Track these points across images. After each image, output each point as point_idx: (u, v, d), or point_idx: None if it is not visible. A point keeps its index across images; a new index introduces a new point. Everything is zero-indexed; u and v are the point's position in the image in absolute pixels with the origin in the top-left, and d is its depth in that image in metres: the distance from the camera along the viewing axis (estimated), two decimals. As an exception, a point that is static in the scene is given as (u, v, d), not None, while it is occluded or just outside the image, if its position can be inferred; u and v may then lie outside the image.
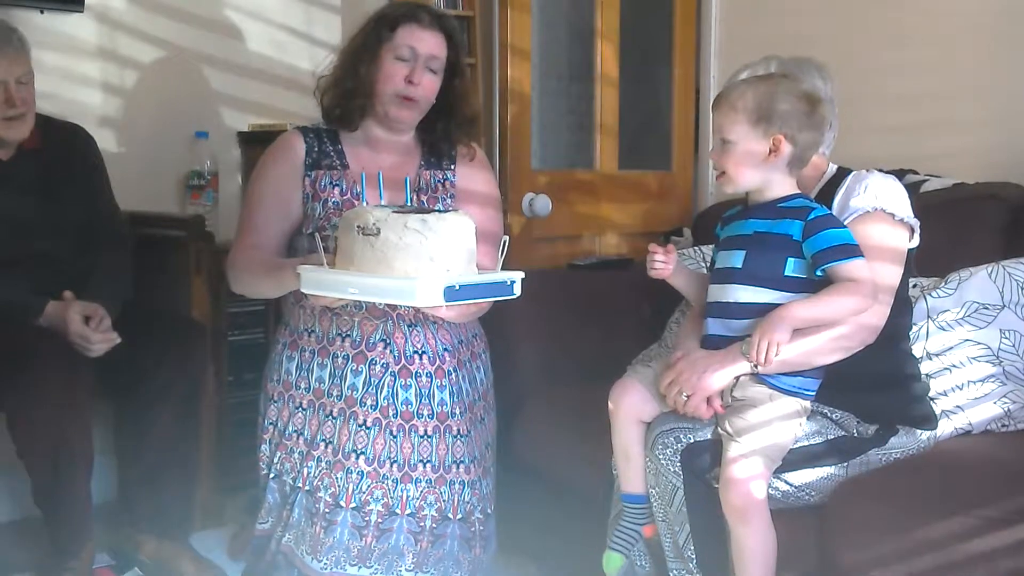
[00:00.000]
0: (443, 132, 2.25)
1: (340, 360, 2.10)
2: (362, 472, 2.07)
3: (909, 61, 2.96)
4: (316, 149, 2.20)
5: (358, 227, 1.75)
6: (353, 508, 2.07)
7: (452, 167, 2.27)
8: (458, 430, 2.13)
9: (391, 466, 2.08)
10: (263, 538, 2.16)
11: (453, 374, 2.14)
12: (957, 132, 2.88)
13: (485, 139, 3.29)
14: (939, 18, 2.90)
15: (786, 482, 1.90)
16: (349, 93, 2.17)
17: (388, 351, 2.09)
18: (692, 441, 1.87)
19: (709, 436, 1.88)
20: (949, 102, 2.89)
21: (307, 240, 2.12)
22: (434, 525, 2.10)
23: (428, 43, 2.15)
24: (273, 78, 3.35)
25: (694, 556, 1.88)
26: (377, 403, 2.08)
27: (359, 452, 2.07)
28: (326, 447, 2.09)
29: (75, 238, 2.54)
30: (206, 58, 3.23)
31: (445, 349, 2.14)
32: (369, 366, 2.09)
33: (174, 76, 3.19)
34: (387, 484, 2.08)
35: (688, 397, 1.87)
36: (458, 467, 2.13)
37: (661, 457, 1.88)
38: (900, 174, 2.62)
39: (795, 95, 1.88)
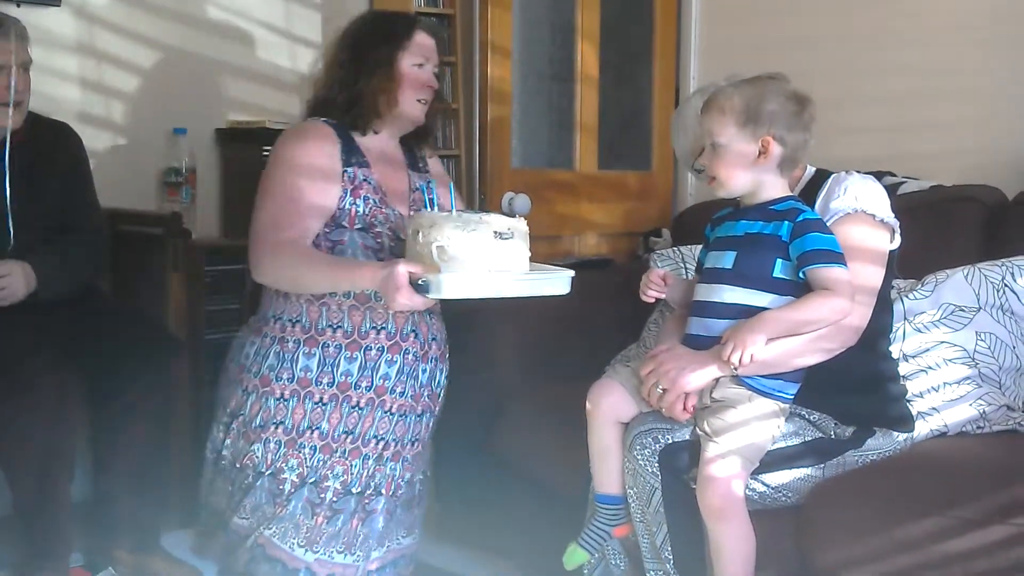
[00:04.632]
0: (422, 132, 2.34)
1: (374, 352, 2.14)
2: (349, 451, 2.14)
3: (888, 64, 2.98)
4: (345, 145, 2.20)
5: (496, 232, 1.93)
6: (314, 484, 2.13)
7: (427, 171, 2.37)
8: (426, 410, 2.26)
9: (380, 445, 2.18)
10: (236, 535, 2.17)
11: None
12: (935, 134, 2.90)
13: (465, 138, 3.29)
14: (918, 21, 2.92)
15: (763, 483, 1.90)
16: (365, 98, 2.20)
17: (416, 339, 2.19)
18: (670, 441, 1.88)
19: (687, 436, 1.88)
20: (927, 105, 2.91)
21: (359, 235, 2.13)
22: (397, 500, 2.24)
23: (434, 49, 2.28)
24: (252, 75, 3.33)
25: (671, 557, 1.88)
26: (405, 390, 2.18)
27: (379, 436, 2.17)
28: (346, 437, 2.14)
29: (52, 233, 2.52)
30: (185, 54, 3.20)
31: (434, 338, 2.25)
32: (403, 355, 2.17)
33: (152, 72, 3.16)
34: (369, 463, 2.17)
35: (663, 391, 1.88)
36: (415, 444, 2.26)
37: (639, 457, 1.88)
38: (878, 176, 2.62)
39: (783, 95, 1.87)
